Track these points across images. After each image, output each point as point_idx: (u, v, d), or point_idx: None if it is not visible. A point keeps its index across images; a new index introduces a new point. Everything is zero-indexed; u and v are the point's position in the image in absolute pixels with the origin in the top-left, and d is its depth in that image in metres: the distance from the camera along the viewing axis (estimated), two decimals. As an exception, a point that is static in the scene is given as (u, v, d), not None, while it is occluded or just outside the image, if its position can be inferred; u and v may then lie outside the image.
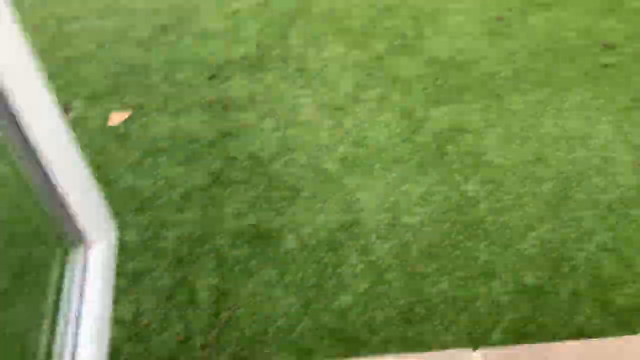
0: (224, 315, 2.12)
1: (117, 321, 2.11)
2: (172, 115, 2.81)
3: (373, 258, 2.26)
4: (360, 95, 2.86)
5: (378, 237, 2.32)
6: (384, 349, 2.01)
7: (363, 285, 2.18)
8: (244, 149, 2.64)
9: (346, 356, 2.00)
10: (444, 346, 1.99)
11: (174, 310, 2.15)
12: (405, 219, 2.38)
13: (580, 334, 2.02)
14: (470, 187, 2.47)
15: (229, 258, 2.28)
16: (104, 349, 1.79)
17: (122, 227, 2.40)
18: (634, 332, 2.01)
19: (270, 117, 2.77)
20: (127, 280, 2.24)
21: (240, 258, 2.28)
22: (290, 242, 2.32)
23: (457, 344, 1.99)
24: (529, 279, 2.17)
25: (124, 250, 2.32)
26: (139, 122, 2.78)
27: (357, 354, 2.00)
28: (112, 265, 1.94)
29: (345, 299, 2.14)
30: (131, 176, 2.58)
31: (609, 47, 3.05)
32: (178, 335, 2.07)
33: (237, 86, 2.92)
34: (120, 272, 2.25)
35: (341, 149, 2.63)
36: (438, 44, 3.10)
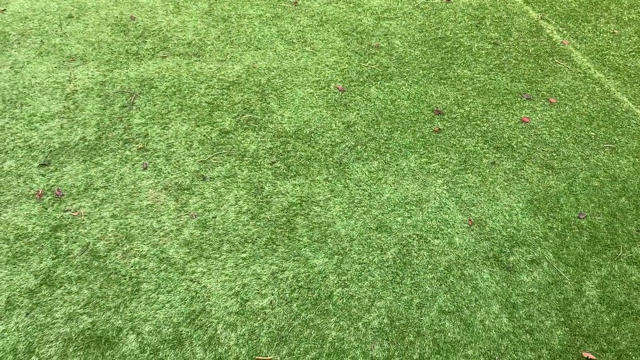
0: None
1: None
2: (-4, 209, 2.55)
3: (221, 351, 2.15)
4: (207, 173, 2.80)
5: (226, 326, 2.23)
6: None
7: (210, 382, 2.06)
8: (78, 242, 2.45)
9: None
10: None
11: None
12: (255, 303, 2.31)
13: (426, 403, 2.05)
14: (319, 261, 2.48)
15: (59, 370, 2.05)
16: None
17: None
18: (475, 395, 2.09)
19: (108, 203, 2.61)
20: None
21: (73, 368, 2.06)
22: (130, 343, 2.14)
23: None
24: (378, 352, 2.19)
25: None
26: (-46, 221, 2.48)
27: None
28: None
29: (190, 401, 2.00)
30: (-57, 285, 2.27)
31: (439, 113, 3.30)
32: None
33: (73, 172, 2.73)
34: None
35: (186, 232, 2.53)
36: (284, 117, 3.16)
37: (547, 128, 3.28)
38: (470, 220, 2.70)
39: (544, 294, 2.43)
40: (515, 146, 3.13)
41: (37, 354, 2.09)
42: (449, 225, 2.68)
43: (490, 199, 2.82)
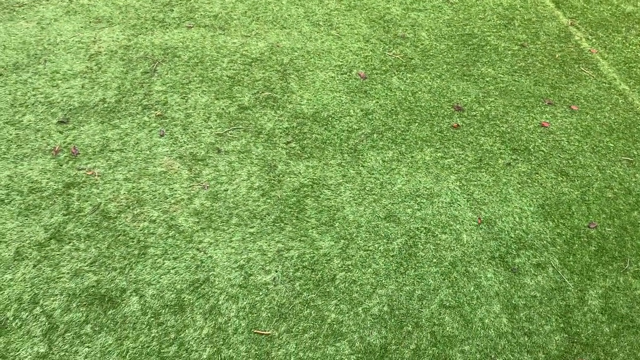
0: (48, 390, 1.92)
1: None
2: (12, 162, 2.57)
3: (221, 321, 2.17)
4: (222, 146, 2.81)
5: (228, 298, 2.25)
6: (224, 420, 1.91)
7: (208, 351, 2.08)
8: (90, 201, 2.47)
9: None
10: (284, 415, 1.94)
11: (-12, 387, 1.91)
12: (258, 278, 2.33)
13: (419, 393, 2.07)
14: (325, 244, 2.49)
15: (61, 323, 2.08)
16: None
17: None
18: (467, 390, 2.10)
19: (122, 166, 2.63)
20: None
21: (75, 323, 2.09)
22: (132, 304, 2.17)
23: (297, 411, 1.95)
24: (375, 338, 2.20)
25: None
26: (-29, 169, 2.51)
27: None
28: None
29: (187, 367, 2.03)
30: (-45, 230, 2.31)
31: (459, 109, 3.28)
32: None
33: (90, 132, 2.75)
34: None
35: (197, 202, 2.55)
36: (303, 99, 3.16)
37: (566, 135, 3.26)
38: (479, 218, 2.70)
39: (546, 298, 2.43)
40: (532, 150, 3.11)
41: (41, 305, 2.12)
42: (457, 222, 2.67)
43: (502, 199, 2.81)
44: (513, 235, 2.65)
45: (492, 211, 2.75)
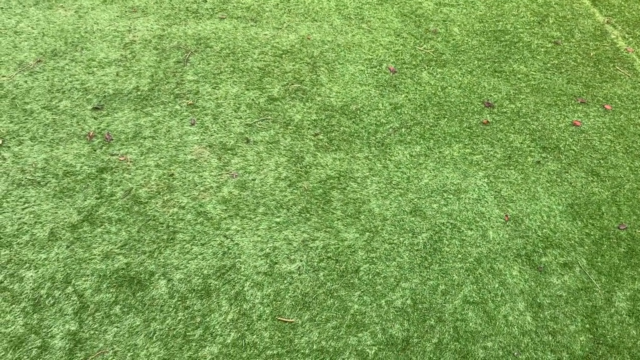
0: (78, 366, 1.98)
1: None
2: (48, 145, 2.65)
3: (246, 307, 2.21)
4: (251, 137, 2.85)
5: (253, 285, 2.28)
6: (246, 404, 1.95)
7: (232, 335, 2.12)
8: (122, 186, 2.54)
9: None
10: (305, 401, 1.97)
11: (24, 359, 1.98)
12: (283, 266, 2.36)
13: (439, 387, 2.07)
14: (350, 235, 2.51)
15: (92, 303, 2.15)
16: None
17: (-25, 266, 2.20)
18: (489, 386, 2.09)
19: (154, 153, 2.69)
20: (-28, 326, 2.04)
21: (104, 303, 2.15)
22: (160, 287, 2.22)
23: (318, 398, 1.98)
24: (397, 331, 2.21)
25: (-27, 291, 2.13)
26: (9, 151, 2.60)
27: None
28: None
29: (211, 350, 2.07)
30: (-7, 209, 2.39)
31: (490, 105, 3.25)
32: (23, 388, 1.91)
33: (123, 119, 2.81)
34: (-35, 317, 2.06)
35: (225, 190, 2.59)
36: (332, 92, 3.17)
37: (598, 134, 3.20)
38: (506, 216, 2.68)
39: (572, 298, 2.40)
40: (562, 148, 3.07)
41: (73, 284, 2.19)
42: (484, 218, 2.66)
43: (530, 197, 2.78)
44: (540, 234, 2.63)
45: (519, 209, 2.72)
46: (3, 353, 1.99)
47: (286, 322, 2.19)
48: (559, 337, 2.27)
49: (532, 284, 2.43)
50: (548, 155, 3.02)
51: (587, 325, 2.32)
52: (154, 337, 2.08)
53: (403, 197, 2.69)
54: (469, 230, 2.60)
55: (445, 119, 3.14)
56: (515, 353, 2.20)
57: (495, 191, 2.79)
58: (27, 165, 2.56)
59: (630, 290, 2.47)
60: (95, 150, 2.66)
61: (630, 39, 4.04)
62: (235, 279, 2.30)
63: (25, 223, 2.35)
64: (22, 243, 2.29)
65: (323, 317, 2.22)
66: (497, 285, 2.41)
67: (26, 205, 2.41)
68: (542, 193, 2.81)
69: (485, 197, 2.76)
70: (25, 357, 1.99)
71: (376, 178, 2.76)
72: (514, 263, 2.50)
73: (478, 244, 2.55)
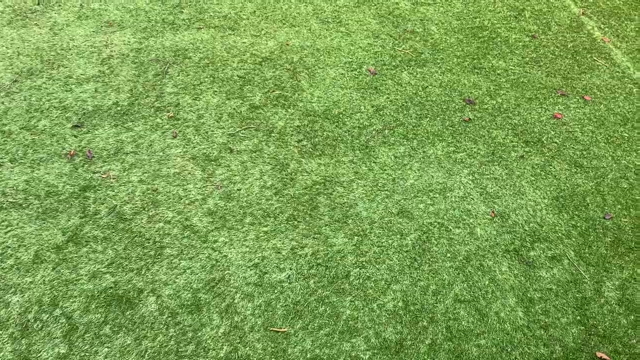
0: (70, 390, 1.95)
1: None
2: (29, 166, 2.62)
3: (237, 319, 2.20)
4: (235, 146, 2.83)
5: (244, 296, 2.27)
6: (242, 417, 1.94)
7: (225, 349, 2.11)
8: (106, 204, 2.51)
9: None
10: (301, 411, 1.96)
11: (12, 387, 1.95)
12: (273, 276, 2.35)
13: (435, 388, 2.07)
14: (339, 241, 2.50)
15: (81, 324, 2.12)
16: None
17: (-40, 293, 2.17)
18: (484, 384, 2.10)
19: (137, 168, 2.66)
20: (-42, 355, 2.01)
21: (94, 324, 2.13)
22: (149, 305, 2.20)
23: (315, 407, 1.97)
24: (390, 334, 2.21)
25: (-42, 320, 2.09)
26: (-11, 174, 2.56)
27: None
28: None
29: (205, 365, 2.06)
30: (-25, 235, 2.35)
31: (471, 102, 3.27)
32: (14, 416, 1.88)
33: (104, 135, 2.79)
34: (-49, 347, 2.02)
35: (211, 202, 2.58)
36: (314, 97, 3.17)
37: (580, 126, 3.23)
38: (493, 212, 2.69)
39: (562, 291, 2.42)
40: (545, 141, 3.09)
41: (61, 307, 2.16)
42: (471, 216, 2.67)
43: (516, 192, 2.80)
44: (527, 228, 2.64)
45: (505, 204, 2.74)
46: (-8, 381, 1.96)
47: (279, 332, 2.18)
48: (551, 330, 2.29)
49: (522, 279, 2.44)
50: (531, 149, 3.04)
51: (578, 317, 2.34)
52: (146, 356, 2.06)
53: (389, 199, 2.69)
54: (456, 228, 2.61)
55: (428, 118, 3.15)
56: (509, 349, 2.21)
57: (481, 188, 2.80)
58: (8, 188, 2.53)
59: (619, 279, 2.49)
60: (77, 169, 2.63)
61: (606, 29, 4.09)
62: (225, 291, 2.28)
63: (9, 247, 2.32)
64: (6, 267, 2.26)
65: (315, 324, 2.21)
66: (487, 282, 2.41)
67: (9, 228, 2.38)
68: (527, 187, 2.83)
69: (471, 194, 2.77)
70: (15, 383, 1.96)
71: (362, 181, 2.76)
72: (503, 259, 2.51)
73: (466, 242, 2.56)
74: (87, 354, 2.05)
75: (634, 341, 2.28)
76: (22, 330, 2.08)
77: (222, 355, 2.09)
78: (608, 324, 2.33)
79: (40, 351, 2.04)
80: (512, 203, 2.75)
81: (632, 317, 2.37)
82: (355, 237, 2.52)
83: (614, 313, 2.37)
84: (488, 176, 2.86)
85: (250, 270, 2.36)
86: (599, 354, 2.22)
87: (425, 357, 2.16)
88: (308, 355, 2.12)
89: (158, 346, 2.09)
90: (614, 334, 2.30)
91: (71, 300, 2.19)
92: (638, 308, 2.40)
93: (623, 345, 2.27)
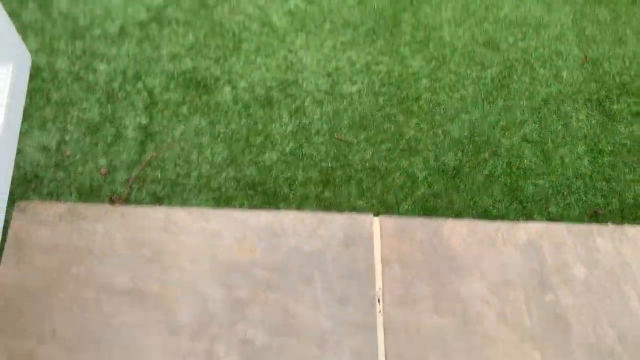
0: (149, 155, 2.15)
1: (40, 148, 2.12)
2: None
3: (305, 121, 2.27)
4: (323, -54, 2.66)
5: (314, 101, 2.32)
6: (299, 206, 2.11)
7: (290, 145, 2.22)
8: (190, -12, 2.49)
9: (262, 207, 2.10)
10: (353, 209, 2.11)
11: (100, 144, 2.16)
12: (344, 87, 2.36)
13: (483, 215, 2.16)
14: (416, 63, 2.44)
15: (161, 100, 2.26)
16: (10, 156, 1.83)
17: (53, 54, 2.31)
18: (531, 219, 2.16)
19: (222, -44, 2.58)
20: (54, 109, 2.20)
21: (172, 102, 2.26)
22: (225, 93, 2.29)
23: (366, 209, 2.11)
24: (450, 159, 2.25)
25: (53, 78, 2.26)
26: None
27: (273, 207, 2.11)
28: (23, 87, 1.91)
29: (271, 156, 2.19)
30: (67, 1, 2.42)
31: None
32: (102, 167, 2.11)
33: None
34: (47, 100, 2.21)
35: (292, 2, 2.51)
36: None
37: None
38: (585, 57, 2.51)
39: (636, 148, 2.34)
40: (667, -11, 2.74)
41: (143, 80, 2.28)
42: (561, 58, 2.51)
43: (616, 40, 2.57)
44: (618, 80, 2.48)
45: (601, 51, 2.54)
46: (82, 137, 2.17)
47: (342, 140, 2.26)
48: (613, 183, 2.26)
49: (598, 130, 2.36)
50: (648, -5, 2.71)
51: (645, 177, 2.29)
52: (219, 139, 2.20)
53: (478, 27, 2.54)
54: (542, 68, 2.47)
55: (539, -56, 2.81)
56: (565, 193, 2.22)
57: (579, 29, 2.58)
58: (96, -43, 2.53)
59: (702, 147, 2.37)
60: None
61: None
62: (297, 93, 2.33)
63: (98, 16, 2.39)
64: (95, 36, 2.35)
65: (378, 138, 2.27)
66: (560, 127, 2.35)
67: (97, -1, 2.44)
68: (630, 36, 2.59)
69: (567, 34, 2.57)
70: (102, 142, 2.16)
71: (452, 3, 2.59)
72: (583, 107, 2.40)
73: (549, 84, 2.44)
74: (165, 128, 2.21)
75: (697, 209, 2.25)
76: (108, 97, 2.24)
77: (287, 150, 2.21)
78: (675, 188, 2.28)
79: (124, 118, 2.21)
80: (609, 51, 2.54)
81: (703, 186, 2.29)
82: (434, 62, 2.45)
83: (684, 179, 2.30)
84: (590, 17, 2.62)
85: (323, 78, 2.37)
86: (655, 214, 2.21)
87: (480, 185, 2.21)
88: (367, 165, 2.21)
89: (230, 132, 2.22)
90: (677, 199, 2.26)
91: (152, 77, 2.30)
92: None
93: (683, 211, 2.24)
